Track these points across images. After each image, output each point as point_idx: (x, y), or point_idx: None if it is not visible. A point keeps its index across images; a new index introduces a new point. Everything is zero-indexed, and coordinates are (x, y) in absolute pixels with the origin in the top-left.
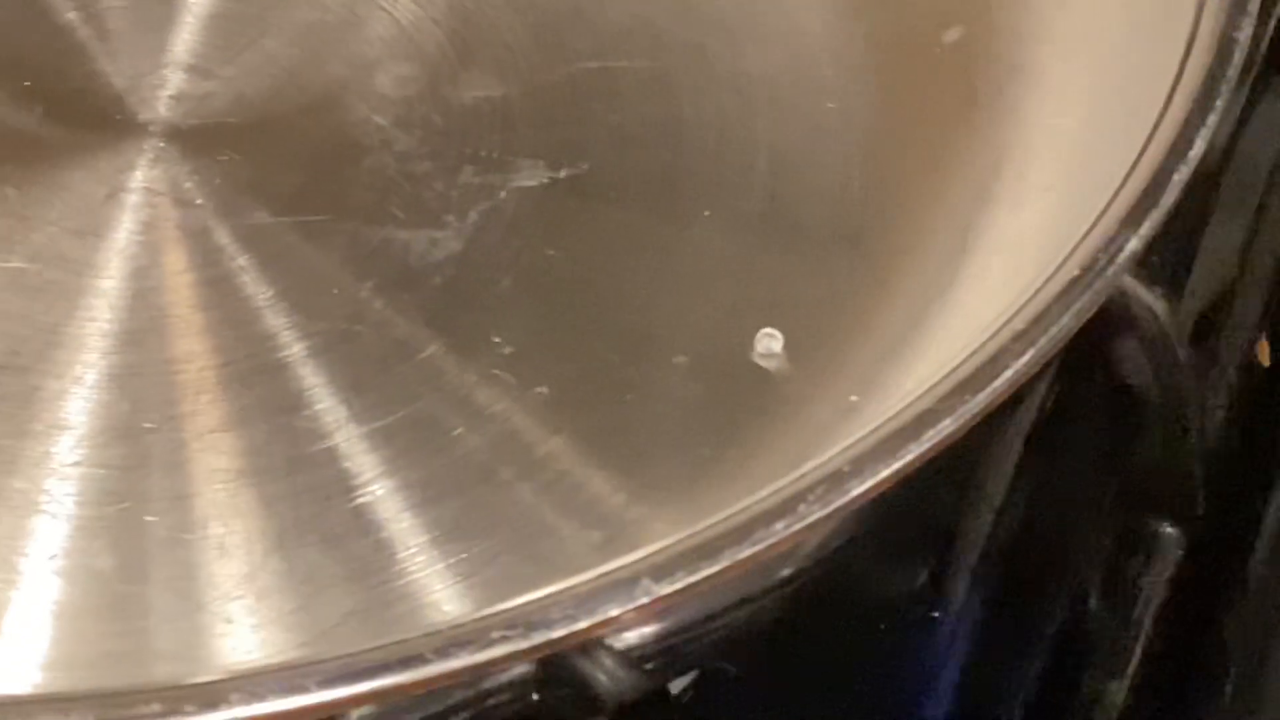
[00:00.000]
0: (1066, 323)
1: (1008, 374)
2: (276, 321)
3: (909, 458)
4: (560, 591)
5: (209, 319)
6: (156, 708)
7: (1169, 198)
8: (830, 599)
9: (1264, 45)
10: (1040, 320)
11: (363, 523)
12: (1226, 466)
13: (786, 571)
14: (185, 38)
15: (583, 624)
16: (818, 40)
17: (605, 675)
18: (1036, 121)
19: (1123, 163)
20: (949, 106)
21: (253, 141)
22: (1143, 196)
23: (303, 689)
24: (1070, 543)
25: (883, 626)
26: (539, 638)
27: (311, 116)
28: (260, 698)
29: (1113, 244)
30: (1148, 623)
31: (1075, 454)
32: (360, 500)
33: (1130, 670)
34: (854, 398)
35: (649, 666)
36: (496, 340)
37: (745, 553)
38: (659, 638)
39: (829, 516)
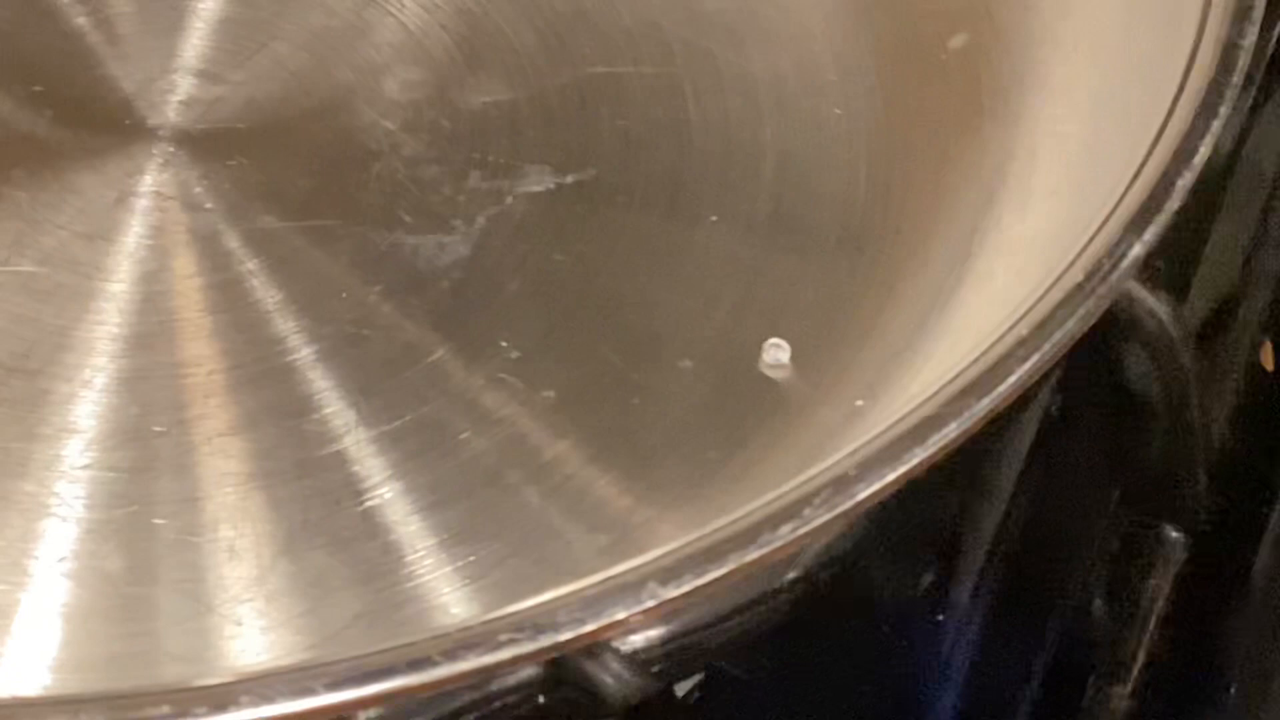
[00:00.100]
0: (1071, 327)
1: (1012, 378)
2: (285, 325)
3: (914, 462)
4: (567, 594)
5: (218, 323)
6: (166, 709)
7: (1173, 203)
8: (835, 602)
9: (1268, 51)
10: (1045, 325)
11: (371, 526)
12: (1230, 470)
13: (792, 575)
14: (195, 43)
15: (589, 627)
16: (824, 45)
17: (611, 677)
18: (1041, 127)
19: (1127, 168)
20: (954, 112)
21: (262, 146)
22: (1147, 201)
23: (311, 691)
24: (1074, 546)
25: (887, 629)
26: (546, 640)
27: (320, 121)
28: (269, 700)
29: (1117, 249)
30: (1151, 626)
31: (1079, 458)
32: (369, 503)
33: (1134, 673)
34: (859, 402)
35: (655, 669)
36: (504, 344)
37: (751, 556)
38: (665, 640)
39: (834, 520)
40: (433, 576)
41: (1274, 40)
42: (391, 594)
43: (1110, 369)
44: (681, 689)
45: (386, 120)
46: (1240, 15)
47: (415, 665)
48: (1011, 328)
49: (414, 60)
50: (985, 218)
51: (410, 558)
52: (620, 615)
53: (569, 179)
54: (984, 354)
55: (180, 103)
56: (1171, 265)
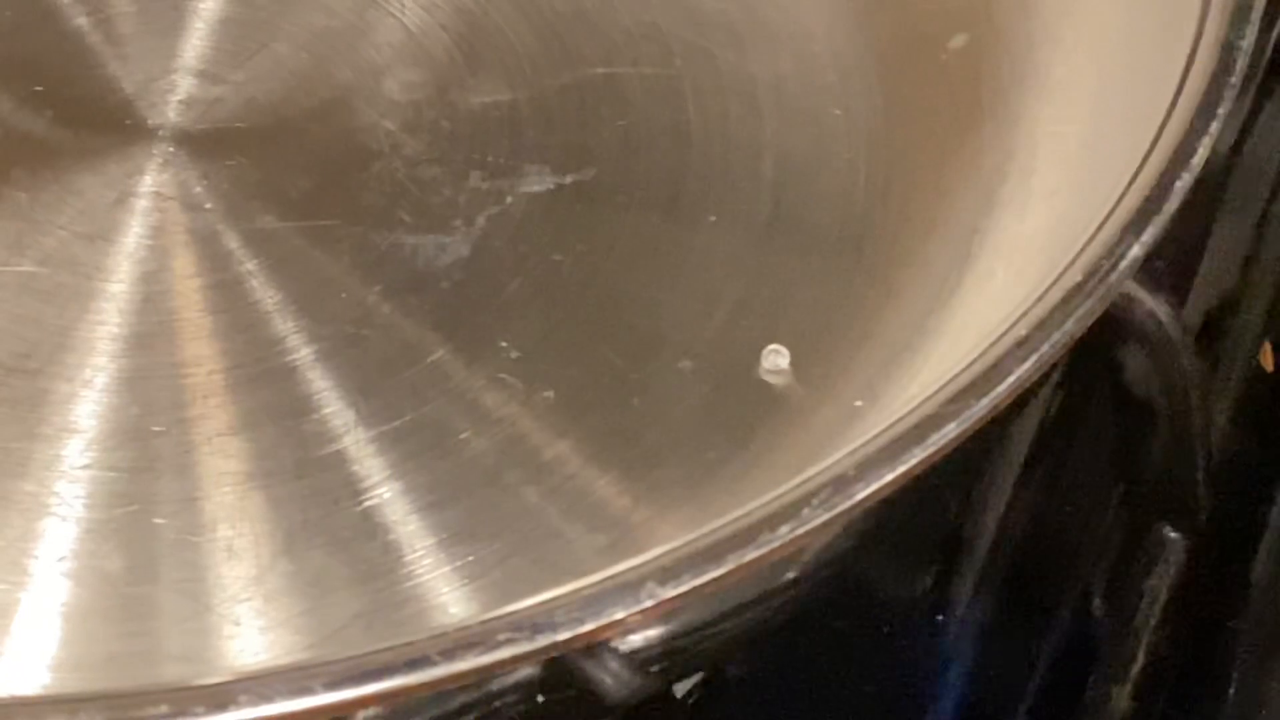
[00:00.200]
0: (1070, 328)
1: (1012, 379)
2: (285, 325)
3: (913, 462)
4: (566, 594)
5: (218, 323)
6: (165, 709)
7: (1173, 204)
8: (835, 602)
9: (1268, 52)
10: (1044, 326)
11: (370, 525)
12: (1230, 471)
13: (791, 575)
14: (195, 43)
15: (588, 626)
16: (824, 46)
17: (610, 677)
18: (1041, 128)
19: (1127, 168)
20: (954, 112)
21: (262, 146)
22: (1147, 202)
23: (310, 690)
24: (1075, 547)
25: (887, 630)
26: (545, 640)
27: (320, 121)
28: (268, 699)
29: (1117, 249)
30: (1152, 627)
31: (1079, 459)
32: (368, 503)
33: (1134, 674)
34: (859, 402)
35: (654, 669)
36: (504, 344)
37: (750, 556)
38: (664, 640)
39: (833, 521)
40: (432, 576)
41: (1273, 40)
42: (390, 593)
43: (1110, 369)
44: (681, 689)
45: (386, 120)
46: (1240, 15)
47: (414, 665)
48: (1011, 328)
49: (414, 61)
50: (985, 218)
51: (409, 557)
52: (619, 615)
53: (569, 179)
54: (983, 354)
55: (180, 103)
56: (1171, 266)
